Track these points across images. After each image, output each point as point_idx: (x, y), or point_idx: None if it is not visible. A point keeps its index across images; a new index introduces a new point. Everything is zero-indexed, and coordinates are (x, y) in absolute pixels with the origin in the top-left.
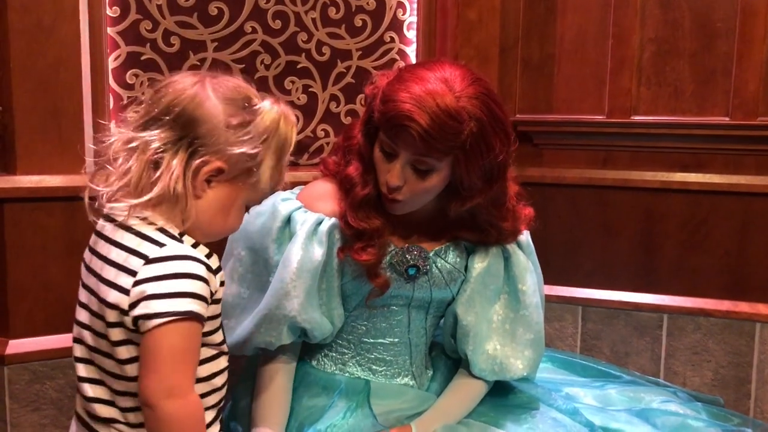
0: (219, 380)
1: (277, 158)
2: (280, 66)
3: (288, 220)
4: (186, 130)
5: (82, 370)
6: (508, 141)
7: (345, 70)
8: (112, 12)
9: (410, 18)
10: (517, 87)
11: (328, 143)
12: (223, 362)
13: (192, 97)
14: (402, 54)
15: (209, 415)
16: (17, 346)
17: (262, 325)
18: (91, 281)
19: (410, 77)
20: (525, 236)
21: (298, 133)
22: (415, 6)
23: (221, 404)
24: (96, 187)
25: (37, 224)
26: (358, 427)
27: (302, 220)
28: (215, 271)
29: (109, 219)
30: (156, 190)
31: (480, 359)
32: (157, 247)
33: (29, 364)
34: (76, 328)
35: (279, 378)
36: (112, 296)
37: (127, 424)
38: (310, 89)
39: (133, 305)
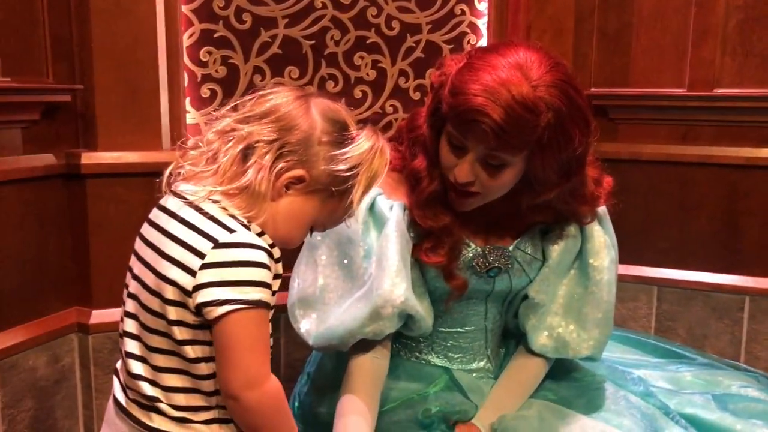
0: None
1: (362, 189)
2: (350, 41)
3: (372, 206)
4: (281, 134)
5: (131, 345)
6: (588, 131)
7: (414, 45)
8: None
9: None
10: (593, 59)
11: (396, 119)
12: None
13: (295, 105)
14: (473, 27)
15: None
16: (100, 316)
17: (372, 315)
18: (147, 254)
19: (481, 65)
20: (602, 208)
21: (367, 109)
22: None
23: None
24: (184, 162)
25: (117, 199)
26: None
27: (388, 206)
28: (276, 260)
29: (179, 196)
30: (241, 182)
31: (542, 335)
32: (227, 232)
33: (112, 333)
34: (128, 302)
35: (375, 369)
36: (174, 273)
37: (170, 405)
38: (379, 64)
39: (198, 287)
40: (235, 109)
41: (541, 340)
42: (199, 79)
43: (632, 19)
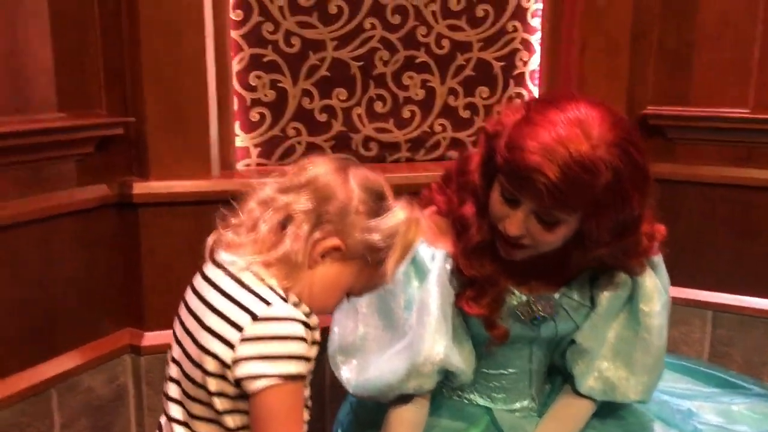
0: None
1: (396, 259)
2: (399, 62)
3: (413, 255)
4: (319, 204)
5: (174, 410)
6: (647, 191)
7: (465, 63)
8: (235, 15)
9: (535, 5)
10: (650, 76)
11: (445, 138)
12: (306, 416)
13: (333, 175)
14: (526, 44)
15: None
16: (152, 338)
17: (412, 372)
18: (189, 322)
19: (540, 120)
20: (658, 257)
21: (416, 128)
22: None
23: None
24: (224, 231)
25: (167, 226)
26: None
27: (430, 255)
28: (312, 329)
29: (220, 266)
30: (279, 252)
31: (589, 378)
32: (265, 305)
33: (162, 354)
34: (171, 365)
35: (415, 419)
36: (215, 346)
37: None
38: (428, 83)
39: (237, 361)
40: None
41: (589, 383)
42: (248, 104)
43: (694, 36)
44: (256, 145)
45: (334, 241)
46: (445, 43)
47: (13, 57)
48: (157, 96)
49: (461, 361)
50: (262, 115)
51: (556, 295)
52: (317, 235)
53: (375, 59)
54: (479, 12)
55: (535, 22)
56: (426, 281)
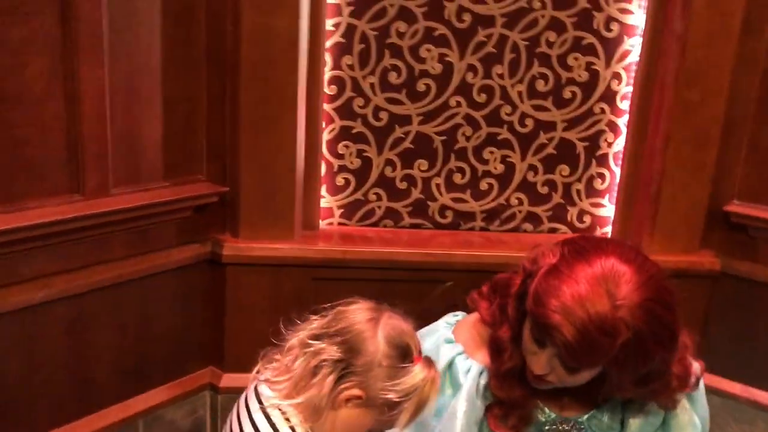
0: None
1: (410, 414)
2: (481, 137)
3: (450, 364)
4: (347, 355)
5: None
6: (674, 345)
7: (547, 141)
8: (329, 90)
9: (625, 88)
10: (738, 172)
11: (521, 211)
12: None
13: (363, 330)
14: (612, 126)
15: None
16: (229, 379)
17: None
18: (234, 426)
19: (567, 274)
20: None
21: (492, 200)
22: (632, 76)
23: None
24: (265, 369)
25: (250, 283)
26: None
27: (465, 368)
28: None
29: (258, 397)
30: (306, 395)
31: None
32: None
33: (237, 395)
34: None
35: None
36: None
37: None
38: (508, 159)
39: None
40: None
41: None
42: (335, 169)
43: None
44: (339, 207)
45: (356, 392)
46: (529, 122)
47: (128, 136)
48: (251, 169)
49: None
50: (347, 181)
51: (585, 417)
52: (343, 384)
53: (458, 134)
54: (567, 94)
55: (624, 105)
56: (458, 394)
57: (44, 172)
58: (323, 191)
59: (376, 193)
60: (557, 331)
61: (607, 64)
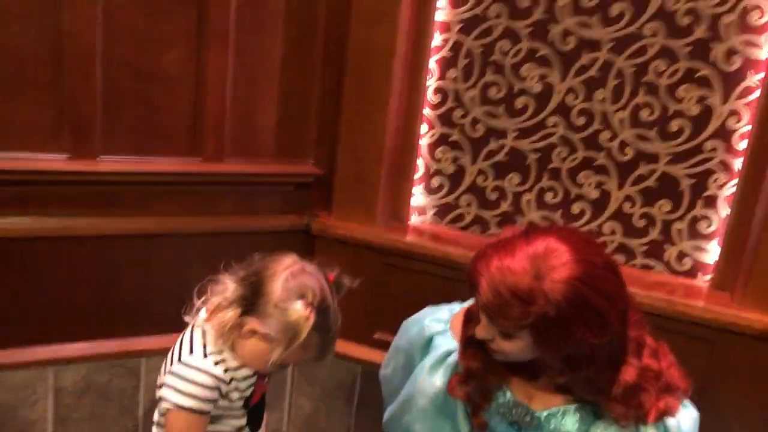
0: None
1: (284, 347)
2: (577, 160)
3: (430, 340)
4: (251, 294)
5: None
6: (603, 334)
7: (647, 174)
8: (434, 98)
9: (745, 127)
10: None
11: (613, 241)
12: None
13: (269, 276)
14: (724, 166)
15: None
16: None
17: (391, 422)
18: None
19: (504, 247)
20: (674, 420)
21: (583, 225)
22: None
23: None
24: (209, 294)
25: (331, 257)
26: None
27: (438, 345)
28: (228, 381)
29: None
30: (215, 323)
31: None
32: (188, 354)
33: None
34: None
35: None
36: (162, 368)
37: None
38: (603, 186)
39: (160, 386)
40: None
41: None
42: (431, 172)
43: None
44: (433, 206)
45: (255, 326)
46: (629, 151)
47: (245, 118)
48: (345, 158)
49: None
50: (442, 184)
51: (538, 411)
52: (245, 318)
53: (552, 154)
54: (672, 126)
55: (742, 145)
56: (421, 365)
57: (172, 136)
58: (420, 190)
59: (467, 200)
60: (477, 291)
61: (724, 99)
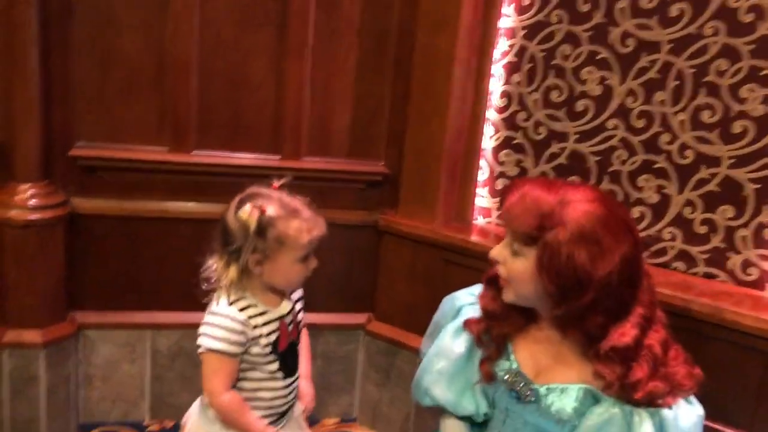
0: (265, 394)
1: (244, 238)
2: (636, 163)
3: (459, 310)
4: (225, 241)
5: None
6: (602, 265)
7: (709, 177)
8: (500, 102)
9: None
10: None
11: (673, 247)
12: (272, 384)
13: (225, 217)
14: None
15: (257, 413)
16: (377, 326)
17: (414, 387)
18: None
19: (547, 179)
20: (672, 412)
21: (644, 229)
22: None
23: (271, 412)
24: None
25: (396, 252)
26: None
27: (465, 313)
28: (252, 327)
29: None
30: (225, 284)
31: None
32: (215, 305)
33: (383, 342)
34: None
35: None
36: None
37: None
38: (663, 190)
39: (198, 334)
40: None
41: None
42: (496, 174)
43: None
44: (497, 209)
45: (248, 257)
46: (690, 153)
47: (321, 120)
48: (410, 159)
49: (452, 398)
50: (506, 186)
51: (544, 388)
52: (240, 260)
53: (612, 157)
54: (737, 127)
55: None
56: (445, 328)
57: (255, 136)
58: (485, 192)
59: None
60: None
61: None
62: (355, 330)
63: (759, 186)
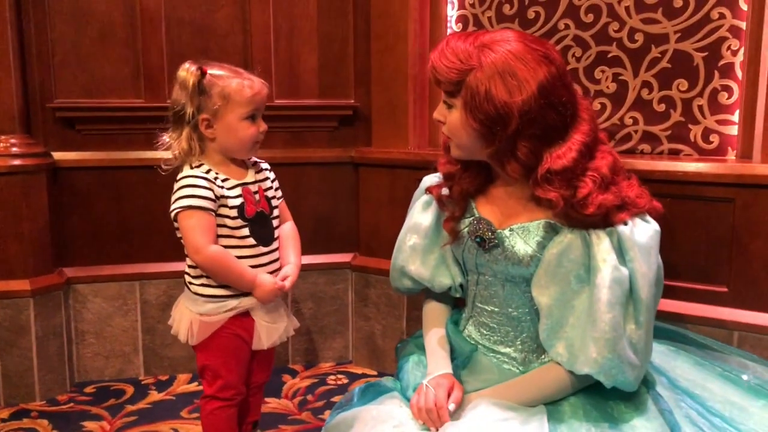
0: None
1: (187, 97)
2: (591, 57)
3: (424, 189)
4: (173, 111)
5: None
6: (517, 95)
7: (660, 55)
8: (457, 27)
9: None
10: None
11: (636, 131)
12: (247, 252)
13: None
14: (735, 31)
15: None
16: (362, 260)
17: (391, 272)
18: None
19: (468, 32)
20: (627, 227)
21: (606, 120)
22: None
23: None
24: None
25: (376, 181)
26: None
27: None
28: (215, 182)
29: None
30: (178, 155)
31: (553, 342)
32: (181, 173)
33: (367, 274)
34: None
35: (433, 319)
36: None
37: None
38: (620, 77)
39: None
40: None
41: (555, 348)
42: None
43: None
44: None
45: (205, 118)
46: (639, 36)
47: (290, 62)
48: (378, 91)
49: (426, 273)
50: None
51: (507, 230)
52: (198, 118)
53: (568, 56)
54: (677, 2)
55: (747, 6)
56: (412, 205)
57: None
58: None
59: None
60: (430, 58)
61: None
62: (342, 269)
63: (706, 54)
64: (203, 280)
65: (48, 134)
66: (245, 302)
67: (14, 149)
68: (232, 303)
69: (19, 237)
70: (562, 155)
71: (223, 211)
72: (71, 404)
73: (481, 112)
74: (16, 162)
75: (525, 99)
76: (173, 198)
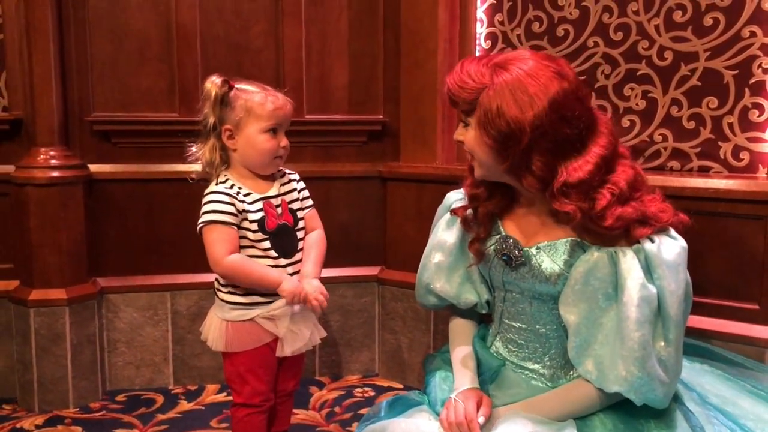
0: None
1: (210, 107)
2: (620, 75)
3: (449, 207)
4: (202, 125)
5: None
6: (528, 111)
7: (689, 73)
8: (486, 44)
9: None
10: None
11: (665, 148)
12: (268, 262)
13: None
14: (766, 49)
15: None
16: (389, 273)
17: (416, 290)
18: None
19: (483, 55)
20: (654, 245)
21: (635, 137)
22: None
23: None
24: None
25: (401, 197)
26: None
27: (452, 200)
28: (237, 197)
29: None
30: (205, 165)
31: (582, 360)
32: (207, 188)
33: (396, 287)
34: None
35: (460, 335)
36: None
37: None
38: (649, 94)
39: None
40: None
41: (583, 365)
42: None
43: None
44: None
45: (228, 129)
46: (668, 54)
47: (321, 78)
48: (407, 106)
49: (452, 290)
50: None
51: (534, 248)
52: (221, 129)
53: (597, 73)
54: (707, 21)
55: None
56: (437, 223)
57: None
58: None
59: None
60: (447, 79)
61: None
62: (369, 282)
63: (736, 72)
64: (230, 288)
65: (85, 147)
66: (271, 309)
67: (53, 161)
68: (258, 311)
69: (56, 247)
70: (578, 168)
71: (245, 224)
72: (103, 412)
73: (494, 128)
74: (55, 174)
75: (536, 114)
76: (201, 212)
